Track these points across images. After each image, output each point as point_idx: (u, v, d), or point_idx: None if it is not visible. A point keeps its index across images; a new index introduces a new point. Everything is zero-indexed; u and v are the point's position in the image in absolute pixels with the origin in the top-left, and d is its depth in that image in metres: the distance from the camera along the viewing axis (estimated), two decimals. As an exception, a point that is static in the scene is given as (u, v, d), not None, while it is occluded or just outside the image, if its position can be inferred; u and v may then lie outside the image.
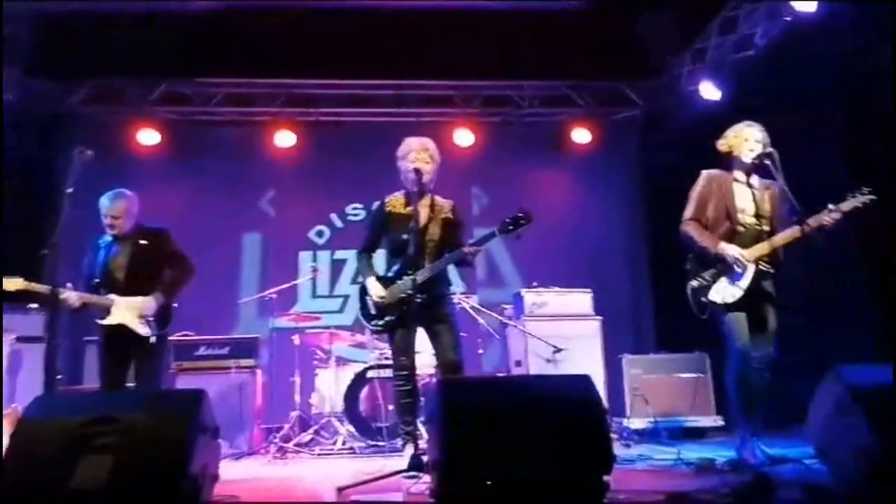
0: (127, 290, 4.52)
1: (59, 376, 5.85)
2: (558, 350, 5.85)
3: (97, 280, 4.53)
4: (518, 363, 6.13)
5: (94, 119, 7.70)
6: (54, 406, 2.96)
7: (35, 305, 5.72)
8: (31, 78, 7.19)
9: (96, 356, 4.68)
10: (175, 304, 4.74)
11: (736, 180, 4.27)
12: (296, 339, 6.27)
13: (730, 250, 4.08)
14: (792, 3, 6.01)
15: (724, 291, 4.12)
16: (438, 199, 4.33)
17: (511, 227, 3.97)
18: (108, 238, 4.62)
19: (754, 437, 4.02)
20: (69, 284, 4.44)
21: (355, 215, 8.10)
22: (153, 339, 4.50)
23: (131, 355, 4.52)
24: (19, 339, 5.50)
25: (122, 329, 4.46)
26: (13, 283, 4.41)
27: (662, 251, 7.02)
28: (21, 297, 4.71)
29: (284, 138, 7.95)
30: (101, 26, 6.79)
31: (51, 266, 3.91)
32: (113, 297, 4.48)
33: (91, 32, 6.86)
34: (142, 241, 4.61)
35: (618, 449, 5.20)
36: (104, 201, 4.56)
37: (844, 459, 3.09)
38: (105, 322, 4.46)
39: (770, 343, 4.13)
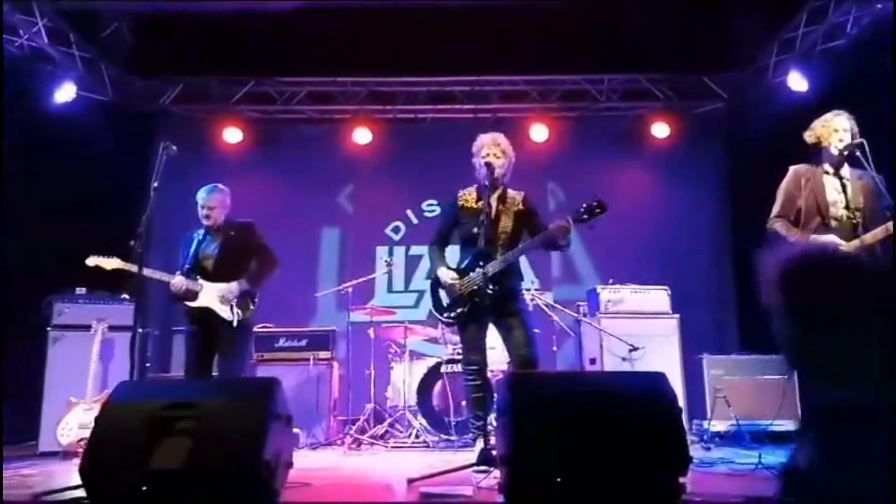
0: (215, 278, 4.77)
1: (147, 364, 6.16)
2: (634, 348, 5.72)
3: (188, 268, 4.79)
4: (592, 361, 6.02)
5: (183, 117, 8.06)
6: (137, 391, 3.10)
7: (126, 296, 6.01)
8: (128, 77, 7.58)
9: (183, 344, 4.91)
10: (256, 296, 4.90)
11: (826, 173, 4.06)
12: (371, 333, 6.37)
13: (825, 239, 3.87)
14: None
15: None
16: (510, 191, 4.30)
17: (585, 217, 3.80)
18: (201, 231, 4.89)
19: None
20: (178, 272, 4.74)
21: (431, 212, 8.16)
22: (235, 324, 4.69)
23: (216, 340, 4.71)
24: (112, 328, 5.78)
25: (207, 313, 4.69)
26: (110, 263, 4.80)
27: (748, 248, 6.73)
28: (115, 284, 4.96)
29: (363, 135, 8.09)
30: (189, 26, 7.06)
31: (139, 253, 4.15)
32: (202, 282, 4.74)
33: (180, 33, 7.14)
34: (231, 233, 4.86)
35: (698, 451, 5.05)
36: (202, 194, 4.85)
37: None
38: (192, 304, 4.71)
39: None
